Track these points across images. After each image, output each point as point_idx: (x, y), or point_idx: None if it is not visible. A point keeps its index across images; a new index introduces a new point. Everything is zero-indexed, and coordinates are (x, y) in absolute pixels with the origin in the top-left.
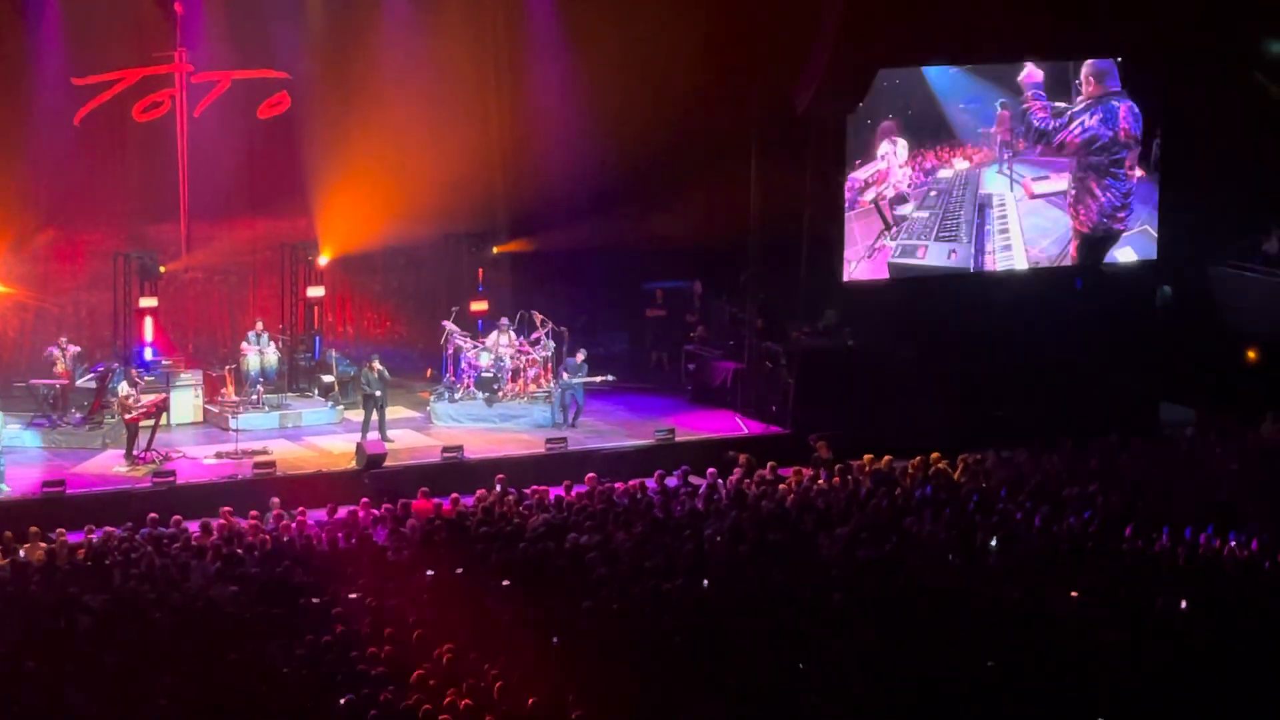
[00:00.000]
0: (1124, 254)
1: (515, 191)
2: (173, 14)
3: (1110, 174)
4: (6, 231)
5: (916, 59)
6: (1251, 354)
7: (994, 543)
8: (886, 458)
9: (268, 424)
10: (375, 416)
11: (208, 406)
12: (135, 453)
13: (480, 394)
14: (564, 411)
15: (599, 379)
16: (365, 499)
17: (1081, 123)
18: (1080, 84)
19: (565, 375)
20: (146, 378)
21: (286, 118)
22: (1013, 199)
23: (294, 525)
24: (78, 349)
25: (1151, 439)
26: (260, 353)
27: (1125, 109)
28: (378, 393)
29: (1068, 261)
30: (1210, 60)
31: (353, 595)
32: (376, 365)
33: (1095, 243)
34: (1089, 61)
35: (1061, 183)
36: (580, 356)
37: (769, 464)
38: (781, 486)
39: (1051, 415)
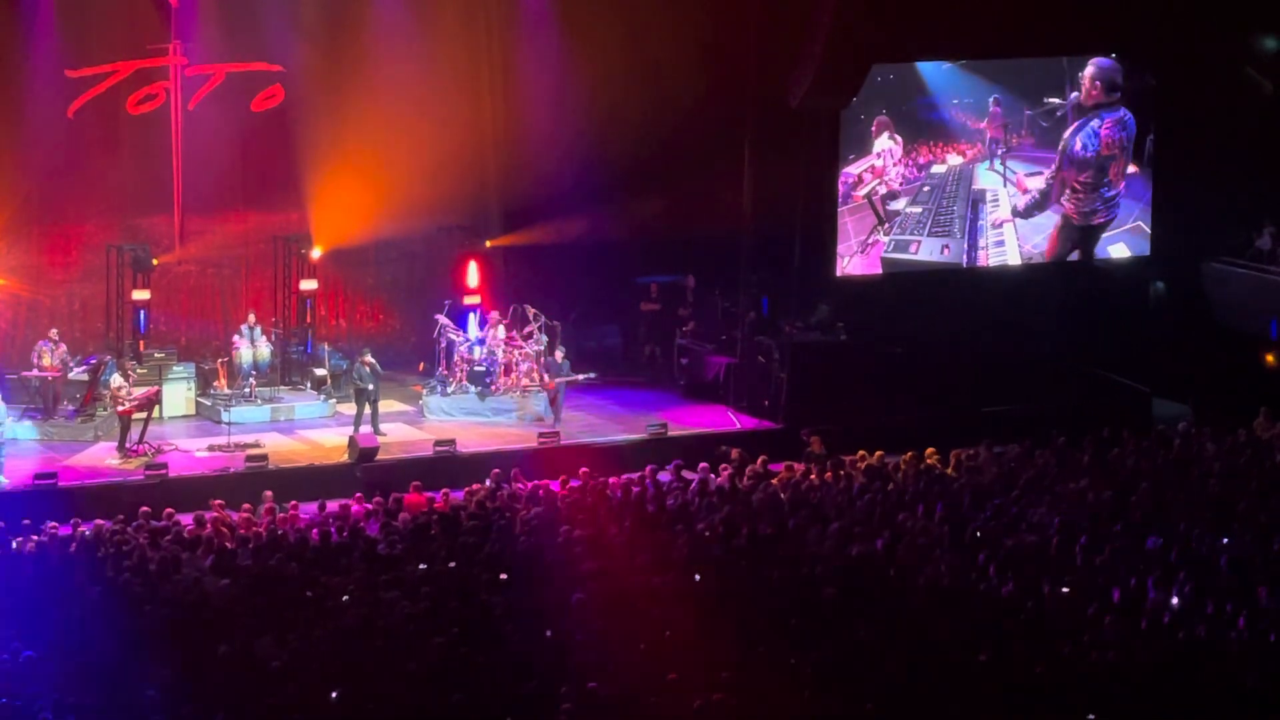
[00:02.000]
0: (1117, 249)
1: (508, 185)
2: (167, 6)
3: (1100, 183)
4: None
5: (910, 54)
6: (1270, 358)
7: (979, 534)
8: (879, 453)
9: (259, 417)
10: (368, 410)
11: (200, 400)
12: (128, 445)
13: (473, 388)
14: (555, 410)
15: (582, 376)
16: (358, 493)
17: (1081, 127)
18: (1083, 83)
19: (547, 375)
20: (138, 368)
21: (280, 111)
22: (1006, 194)
23: (286, 518)
24: (64, 347)
25: (1144, 435)
26: (253, 346)
27: (1121, 117)
28: (370, 386)
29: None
30: (1203, 56)
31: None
32: (368, 358)
33: (1081, 235)
34: (1094, 63)
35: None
36: (559, 355)
37: (761, 459)
38: (774, 481)
39: (1044, 411)
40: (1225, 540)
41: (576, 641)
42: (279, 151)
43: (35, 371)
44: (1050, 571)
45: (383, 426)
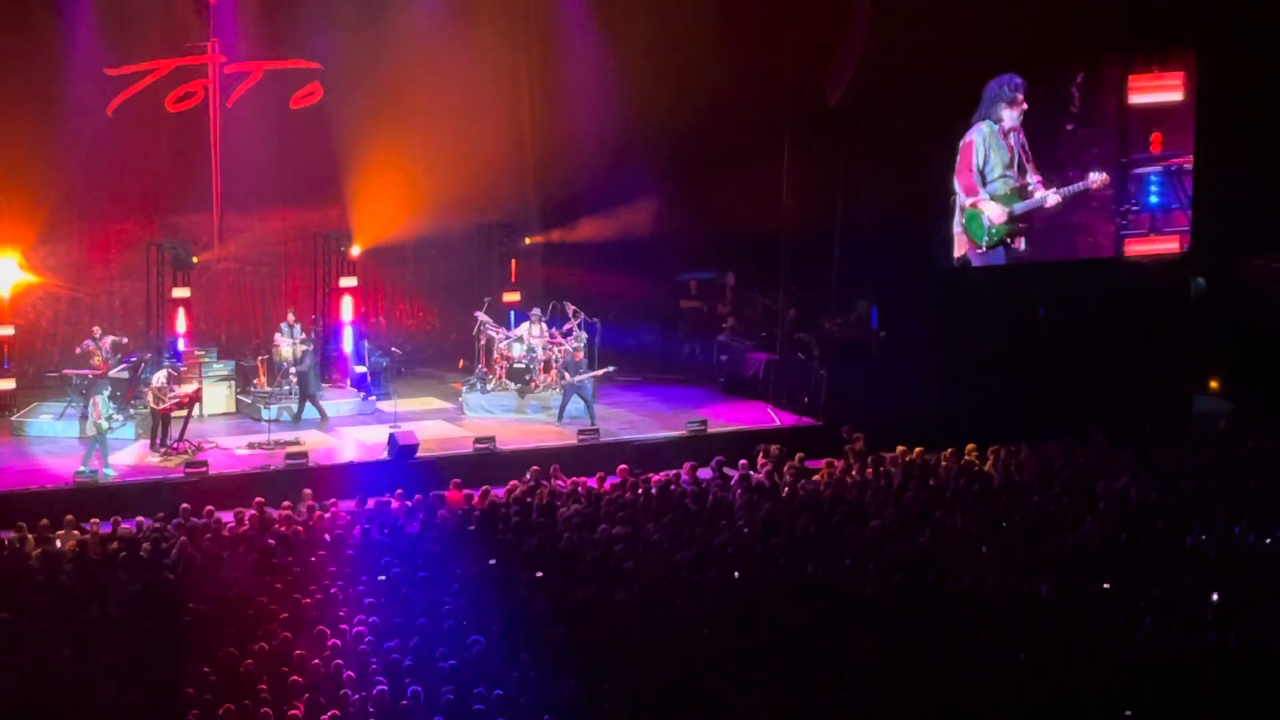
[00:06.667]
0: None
1: (547, 182)
2: (205, 4)
3: None
4: (40, 221)
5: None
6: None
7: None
8: (918, 449)
9: (311, 413)
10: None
11: (241, 398)
12: (169, 443)
13: (512, 385)
14: (589, 408)
15: (601, 372)
16: (398, 489)
17: None
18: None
19: (568, 375)
20: (181, 368)
21: (319, 108)
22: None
23: (327, 516)
24: (113, 338)
25: (1185, 432)
26: (293, 343)
27: None
28: (296, 368)
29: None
30: (1244, 50)
31: None
32: (292, 337)
33: None
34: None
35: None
36: (578, 354)
37: (800, 456)
38: (814, 478)
39: (1084, 407)
40: (1267, 539)
41: (617, 640)
42: (318, 149)
43: (88, 370)
44: (1090, 570)
45: (424, 424)
